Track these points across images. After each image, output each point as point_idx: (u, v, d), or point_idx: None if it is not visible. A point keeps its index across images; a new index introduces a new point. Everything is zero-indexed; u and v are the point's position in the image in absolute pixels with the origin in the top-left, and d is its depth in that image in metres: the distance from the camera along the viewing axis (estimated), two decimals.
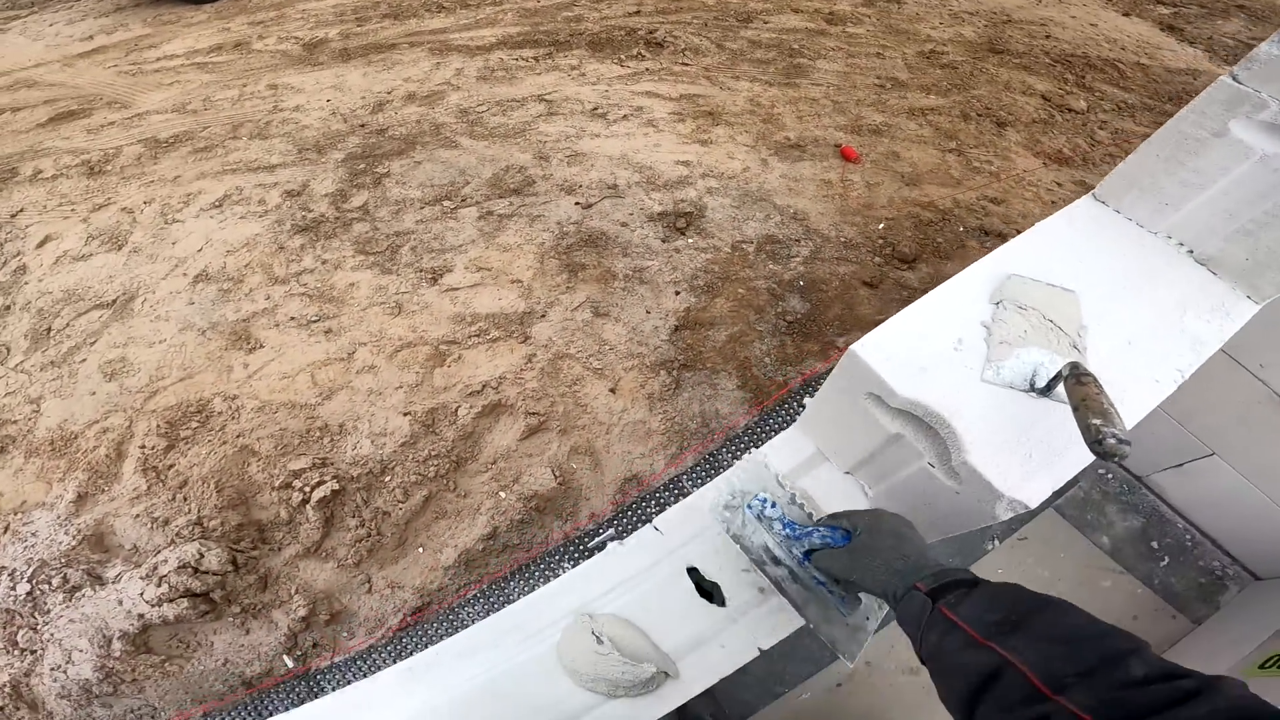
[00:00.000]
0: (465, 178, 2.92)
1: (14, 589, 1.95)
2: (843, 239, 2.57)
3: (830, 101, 3.30)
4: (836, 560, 0.89)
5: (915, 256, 2.50)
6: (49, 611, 1.89)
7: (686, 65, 3.65)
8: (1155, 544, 1.81)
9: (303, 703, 1.64)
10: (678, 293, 2.36)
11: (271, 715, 1.67)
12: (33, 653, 1.87)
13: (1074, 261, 1.00)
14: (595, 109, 3.29)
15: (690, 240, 2.56)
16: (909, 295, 2.37)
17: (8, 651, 1.93)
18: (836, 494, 1.06)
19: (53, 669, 1.80)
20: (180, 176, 3.30)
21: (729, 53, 3.75)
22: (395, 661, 1.70)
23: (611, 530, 1.81)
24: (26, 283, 2.91)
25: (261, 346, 2.42)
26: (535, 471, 1.93)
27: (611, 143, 3.07)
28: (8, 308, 2.81)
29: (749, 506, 1.00)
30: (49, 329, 2.67)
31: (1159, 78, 3.38)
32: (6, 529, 2.10)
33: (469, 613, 1.78)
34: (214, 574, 1.86)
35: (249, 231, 2.87)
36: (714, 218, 2.65)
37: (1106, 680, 0.57)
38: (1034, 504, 0.79)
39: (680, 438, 1.99)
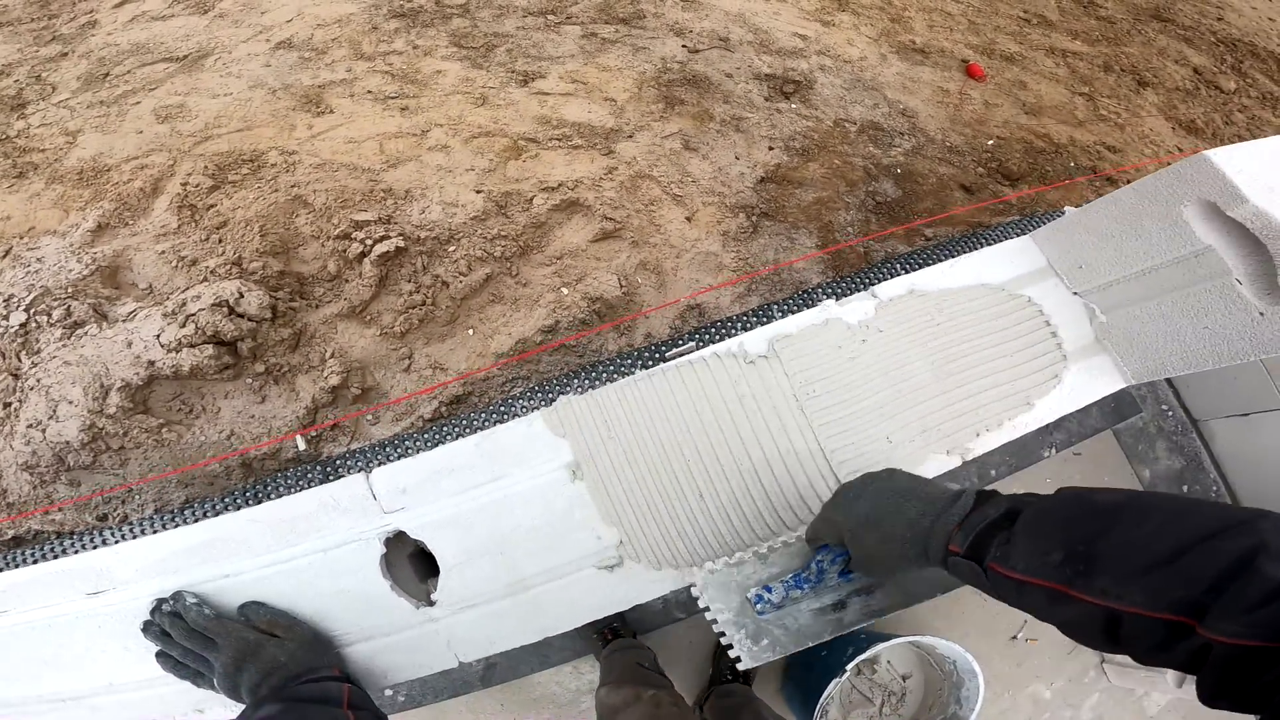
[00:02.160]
0: None
1: (6, 318, 1.75)
2: (948, 143, 2.44)
3: (967, 20, 3.09)
4: (860, 571, 0.75)
5: (1020, 176, 2.37)
6: (40, 351, 1.71)
7: None
8: (1185, 488, 1.80)
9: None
10: (771, 148, 2.26)
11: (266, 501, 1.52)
12: (6, 405, 1.68)
13: None
14: None
15: (793, 106, 2.44)
16: (1004, 208, 2.26)
17: None
18: (1058, 315, 0.99)
19: (30, 425, 1.59)
20: None
21: None
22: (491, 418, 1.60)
23: (693, 344, 1.71)
24: (93, 35, 2.81)
25: (331, 112, 2.35)
26: (601, 276, 1.87)
27: (730, 0, 2.90)
28: (65, 54, 2.72)
29: (761, 614, 0.76)
30: (107, 74, 2.58)
31: None
32: (8, 253, 1.95)
33: (517, 407, 1.63)
34: (250, 319, 1.69)
35: (344, 10, 2.76)
36: (821, 92, 2.52)
37: (1243, 598, 0.45)
38: None
39: (750, 279, 1.92)
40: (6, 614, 0.84)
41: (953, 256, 1.03)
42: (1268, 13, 3.74)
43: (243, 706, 0.72)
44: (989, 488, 0.68)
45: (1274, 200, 0.80)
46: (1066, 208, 1.04)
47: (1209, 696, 0.48)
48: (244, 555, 0.81)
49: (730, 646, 0.74)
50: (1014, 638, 1.75)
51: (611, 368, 1.72)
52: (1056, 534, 0.55)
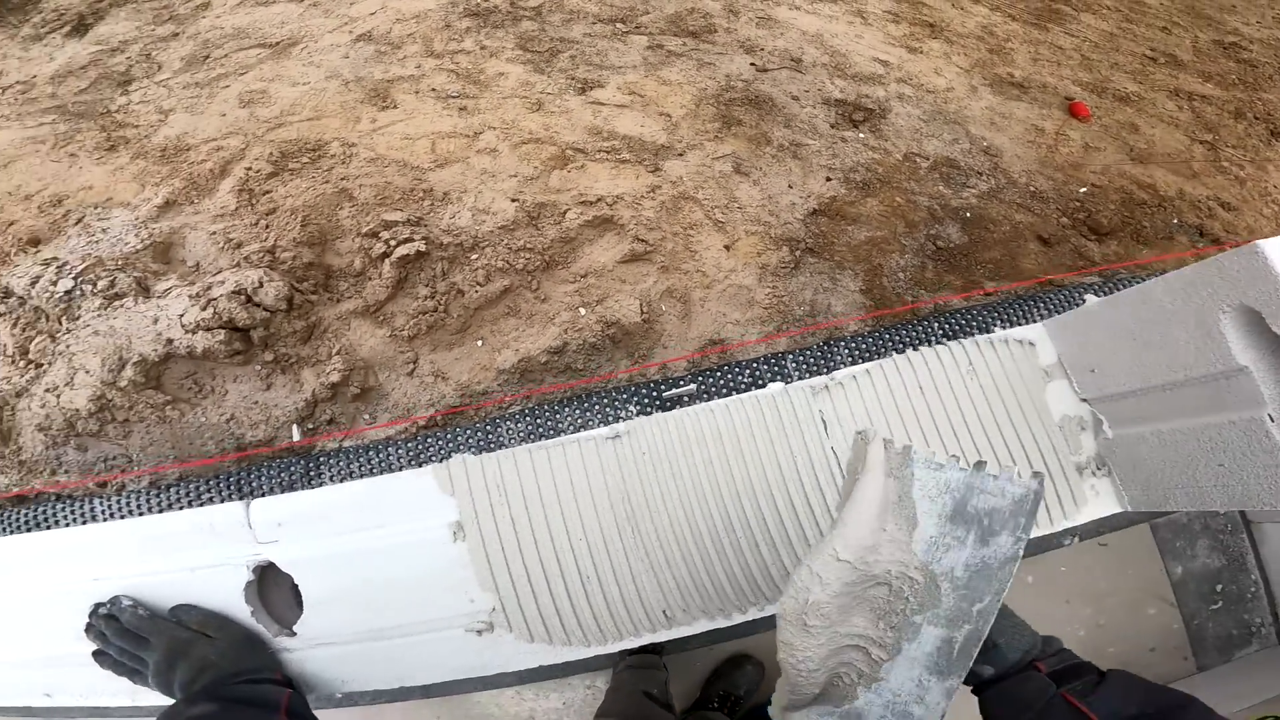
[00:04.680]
0: (647, 7, 2.72)
1: (55, 284, 1.82)
2: (1032, 188, 2.20)
3: (1080, 55, 2.81)
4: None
5: (1110, 231, 2.11)
6: (78, 318, 1.79)
7: None
8: (1220, 588, 1.61)
9: (294, 484, 1.54)
10: (829, 179, 2.11)
11: (253, 492, 1.56)
12: (38, 366, 1.76)
13: None
14: None
15: (861, 135, 2.27)
16: (1084, 267, 2.01)
17: (14, 362, 1.80)
18: (1050, 431, 0.87)
19: (48, 390, 1.67)
20: None
21: None
22: (408, 460, 1.59)
23: (693, 386, 1.64)
24: (204, 17, 2.99)
25: (395, 107, 2.39)
26: (623, 299, 1.80)
27: (809, 19, 2.76)
28: (176, 35, 2.91)
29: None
30: (207, 56, 2.73)
31: None
32: (80, 221, 2.06)
33: (506, 429, 1.58)
34: (265, 309, 1.73)
35: (423, 6, 2.82)
36: (895, 123, 2.34)
37: None
38: None
39: (781, 318, 1.80)
40: None
41: (1004, 318, 0.90)
42: None
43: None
44: None
45: None
46: (1088, 296, 0.88)
47: None
48: (115, 562, 0.84)
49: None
50: None
51: (612, 396, 1.64)
52: (1138, 697, 0.62)
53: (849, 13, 2.82)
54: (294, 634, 0.82)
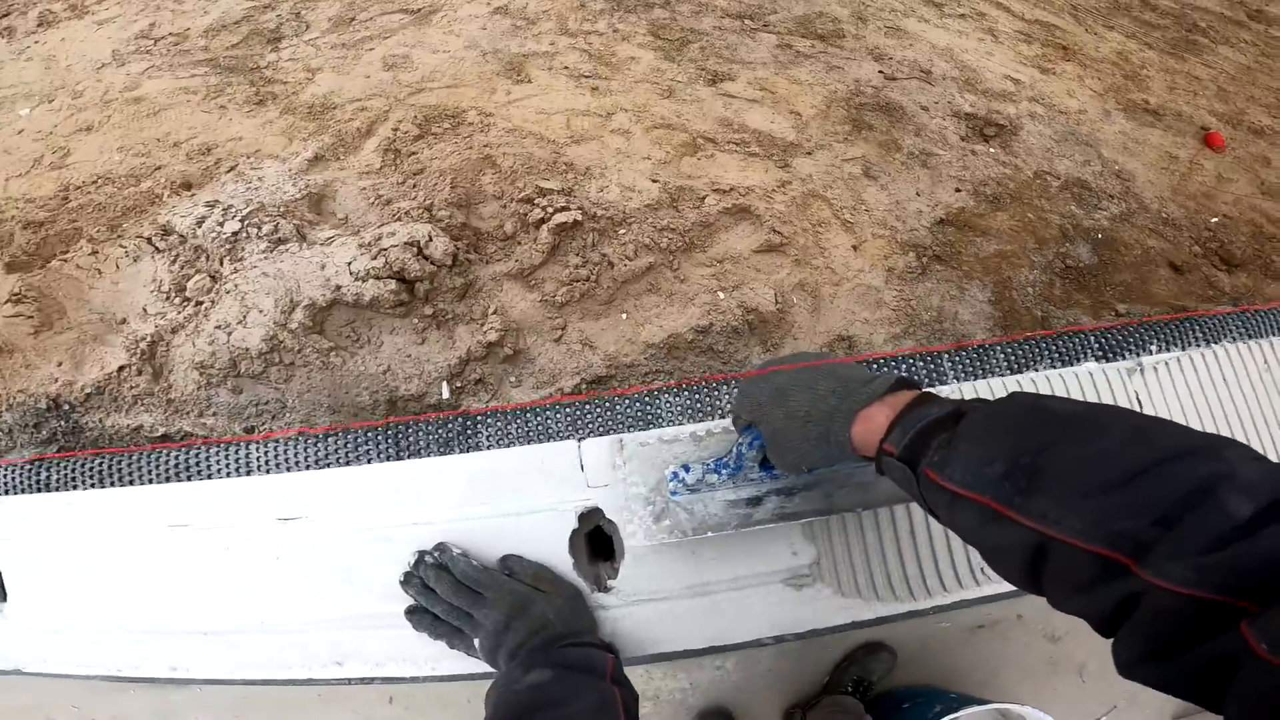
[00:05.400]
0: (775, 6, 2.76)
1: (221, 225, 1.86)
2: (1164, 214, 2.17)
3: (1216, 86, 2.74)
4: (776, 459, 0.66)
5: (1241, 262, 2.07)
6: (243, 260, 1.82)
7: None
8: None
9: (449, 443, 1.43)
10: (958, 190, 2.12)
11: (409, 448, 1.44)
12: (198, 304, 1.76)
13: None
14: None
15: (991, 150, 2.27)
16: (1215, 296, 1.98)
17: (169, 298, 1.79)
18: None
19: (218, 326, 1.68)
20: None
21: (1112, 1, 3.20)
22: (567, 426, 1.57)
23: None
24: None
25: (529, 81, 2.47)
26: (758, 288, 1.84)
27: (939, 33, 2.76)
28: None
29: (673, 494, 0.71)
30: (353, 19, 2.86)
31: None
32: (233, 169, 2.14)
33: (664, 401, 1.58)
34: (434, 262, 1.79)
35: None
36: (1026, 140, 2.33)
37: (1197, 535, 0.36)
38: None
39: (909, 320, 1.83)
40: (187, 527, 0.80)
41: (1149, 340, 0.91)
42: None
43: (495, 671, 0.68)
44: (929, 389, 0.59)
45: None
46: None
47: (1130, 660, 0.40)
48: (438, 504, 0.78)
49: (629, 522, 0.72)
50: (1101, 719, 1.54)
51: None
52: (1002, 441, 0.47)
53: (979, 30, 2.81)
54: (608, 590, 0.77)
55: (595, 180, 2.03)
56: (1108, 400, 0.83)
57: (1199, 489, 0.38)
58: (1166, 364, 0.86)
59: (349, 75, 2.58)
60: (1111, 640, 0.42)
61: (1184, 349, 0.86)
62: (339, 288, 1.73)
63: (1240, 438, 0.83)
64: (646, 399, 1.62)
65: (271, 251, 1.88)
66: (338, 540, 0.78)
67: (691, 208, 1.95)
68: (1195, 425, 0.82)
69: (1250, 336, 0.89)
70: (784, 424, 0.61)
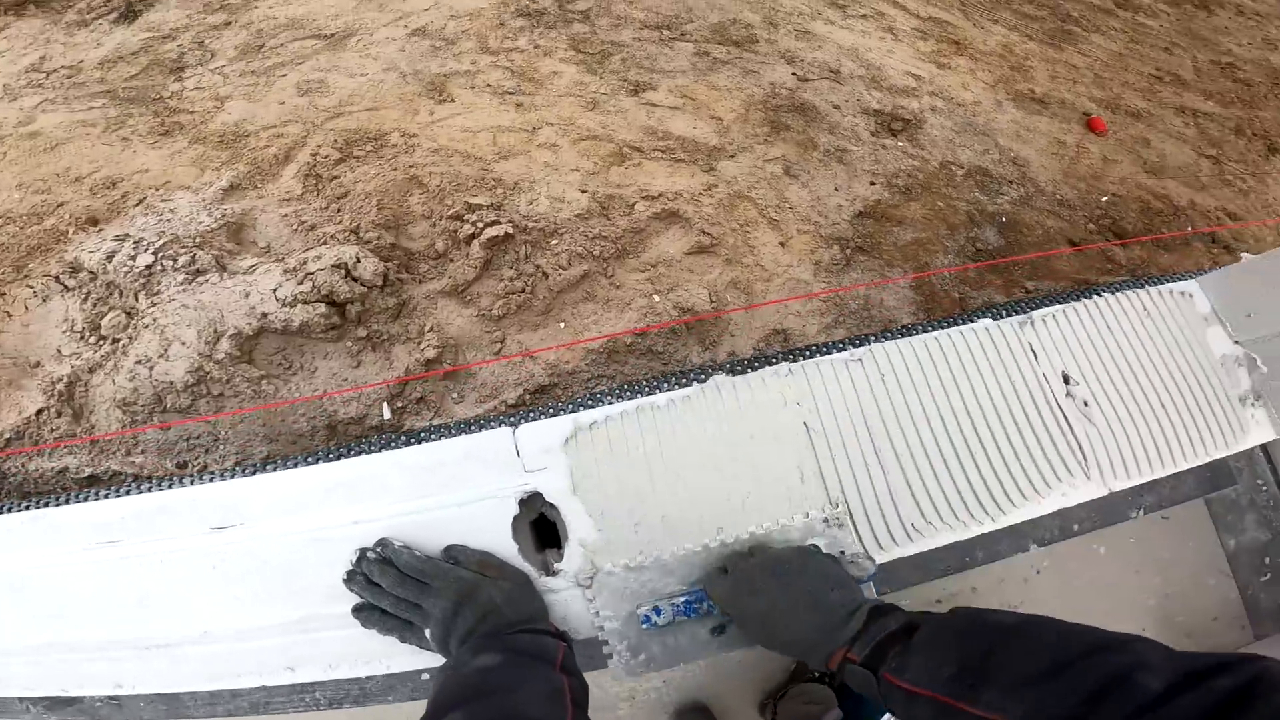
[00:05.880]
0: (691, 16, 2.84)
1: (133, 259, 1.80)
2: (1059, 196, 2.36)
3: (1093, 74, 2.99)
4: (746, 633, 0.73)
5: (1132, 236, 2.27)
6: (159, 294, 1.78)
7: None
8: (1268, 560, 1.71)
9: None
10: (873, 183, 2.24)
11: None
12: (115, 341, 1.72)
13: None
14: None
15: (900, 144, 2.41)
16: (1112, 268, 2.16)
17: (83, 337, 1.75)
18: (1212, 368, 0.97)
19: (139, 361, 1.64)
20: None
21: None
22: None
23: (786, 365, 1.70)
24: (256, 7, 3.05)
25: (453, 101, 2.47)
26: (692, 288, 1.90)
27: (844, 34, 2.90)
28: (228, 23, 2.96)
29: (645, 627, 0.76)
30: (261, 46, 2.79)
31: None
32: (141, 201, 2.07)
33: (606, 402, 1.65)
34: (363, 284, 1.77)
35: (476, 4, 2.91)
36: (930, 133, 2.48)
37: (1121, 708, 0.45)
38: None
39: (838, 310, 1.91)
40: (118, 544, 0.78)
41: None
42: None
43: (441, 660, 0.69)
44: (888, 601, 0.70)
45: None
46: (1243, 254, 1.02)
47: None
48: (376, 500, 0.78)
49: (609, 656, 0.74)
50: None
51: (693, 377, 1.73)
52: (951, 649, 0.57)
53: (880, 29, 2.97)
54: (556, 573, 0.78)
55: (525, 194, 2.05)
56: (1004, 351, 0.92)
57: (1118, 674, 0.47)
58: (1054, 315, 0.95)
59: (261, 102, 2.50)
60: None
61: (1054, 313, 0.95)
62: (265, 315, 1.69)
63: (1115, 377, 0.93)
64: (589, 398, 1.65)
65: (190, 283, 1.81)
66: (275, 545, 0.78)
67: (622, 215, 1.99)
68: (1078, 370, 0.92)
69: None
70: (768, 642, 0.69)
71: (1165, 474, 0.88)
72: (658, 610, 0.75)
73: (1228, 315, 1.00)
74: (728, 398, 0.85)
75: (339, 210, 2.11)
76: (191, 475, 1.68)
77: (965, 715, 0.52)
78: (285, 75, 2.61)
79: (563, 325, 1.84)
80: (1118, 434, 0.90)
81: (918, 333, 0.91)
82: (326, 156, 2.26)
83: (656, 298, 1.85)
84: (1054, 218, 2.26)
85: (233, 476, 1.57)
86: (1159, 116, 2.80)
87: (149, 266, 1.83)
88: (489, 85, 2.51)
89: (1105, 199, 2.38)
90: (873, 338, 1.59)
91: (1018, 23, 3.29)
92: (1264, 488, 1.77)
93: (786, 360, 0.90)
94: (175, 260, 1.84)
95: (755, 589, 0.70)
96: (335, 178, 2.20)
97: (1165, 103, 2.89)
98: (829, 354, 0.88)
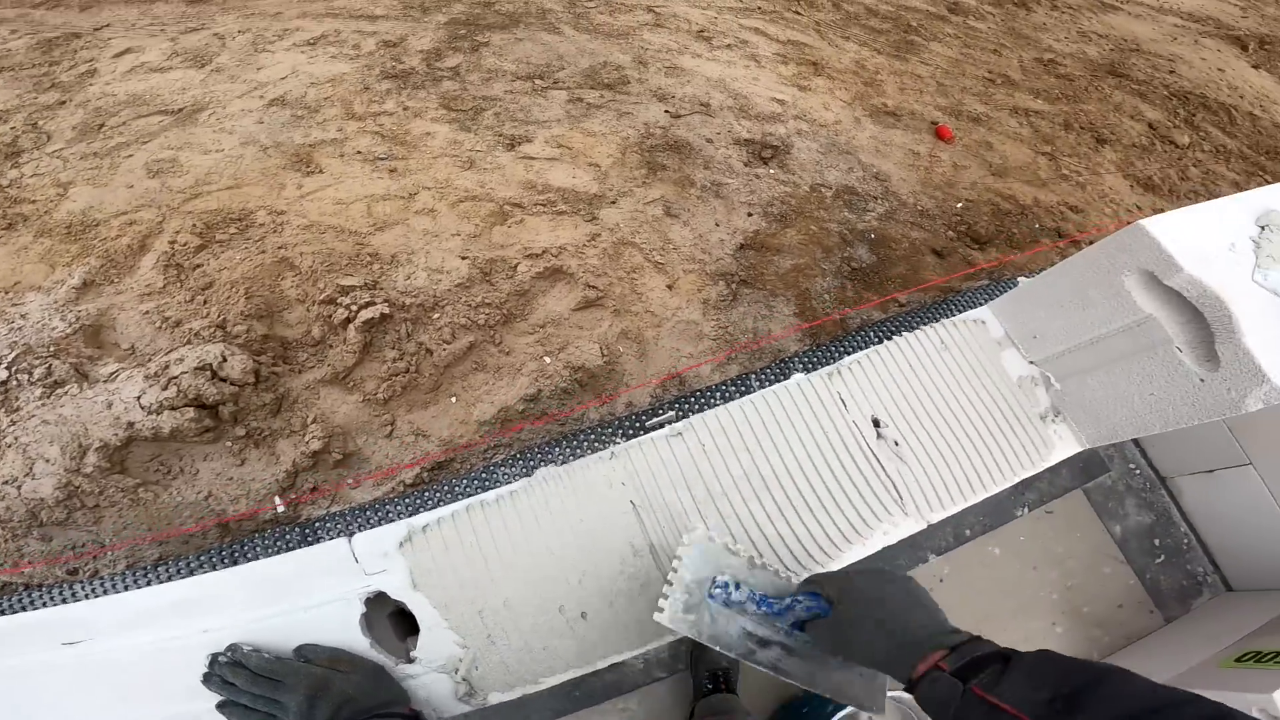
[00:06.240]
0: (562, 63, 2.88)
1: None
2: (920, 207, 2.54)
3: (936, 82, 3.24)
4: (824, 635, 0.77)
5: (988, 239, 2.47)
6: (19, 409, 1.71)
7: (799, 15, 3.57)
8: (1157, 542, 1.87)
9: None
10: (750, 214, 2.34)
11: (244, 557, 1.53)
12: None
13: None
14: (701, 31, 3.23)
15: (771, 171, 2.53)
16: (975, 273, 2.35)
17: None
18: (1011, 390, 1.06)
19: (5, 482, 1.60)
20: (282, 14, 3.26)
21: (844, 13, 3.67)
22: (409, 514, 1.61)
23: (672, 413, 1.76)
24: (91, 85, 2.85)
25: (321, 172, 2.40)
26: (584, 345, 1.92)
27: (711, 66, 3.02)
28: (62, 103, 2.75)
29: (711, 596, 0.82)
30: (102, 125, 2.61)
31: (1265, 130, 3.31)
32: None
33: (502, 474, 1.64)
34: (233, 383, 1.72)
35: (337, 70, 2.84)
36: (799, 157, 2.62)
37: None
38: None
39: (730, 347, 1.98)
40: None
41: (924, 322, 1.10)
42: (1215, 63, 3.93)
43: None
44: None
45: (1208, 268, 0.87)
46: (1020, 278, 1.13)
47: None
48: (224, 611, 0.84)
49: (665, 597, 0.80)
50: None
51: (592, 436, 1.75)
52: (1050, 678, 0.62)
53: (744, 57, 3.11)
54: (411, 660, 0.85)
55: (403, 267, 2.01)
56: (817, 405, 1.02)
57: (1215, 714, 0.52)
58: (860, 361, 1.03)
59: (108, 187, 2.34)
60: None
61: (866, 349, 1.05)
62: (132, 424, 1.61)
63: (922, 413, 1.03)
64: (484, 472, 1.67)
65: (49, 397, 1.71)
66: (131, 654, 0.83)
67: (505, 278, 1.99)
68: (885, 413, 1.00)
69: (925, 323, 1.11)
70: (869, 626, 0.72)
71: (980, 499, 0.97)
72: (737, 586, 0.82)
73: (1019, 338, 1.10)
74: (555, 487, 0.90)
75: (205, 302, 2.00)
76: (82, 581, 1.61)
77: None
78: (131, 155, 2.45)
79: (454, 400, 1.82)
80: (928, 468, 0.99)
81: (736, 396, 0.97)
82: (186, 244, 2.14)
83: (548, 359, 1.86)
84: (917, 229, 2.43)
85: (125, 581, 1.53)
86: (996, 119, 3.07)
87: (3, 383, 1.72)
88: (358, 152, 2.45)
89: (960, 205, 2.58)
90: (693, 410, 1.67)
91: (867, 38, 3.52)
92: (1136, 471, 1.94)
93: (618, 435, 0.95)
94: (31, 373, 1.73)
95: (886, 580, 0.76)
96: (198, 266, 2.09)
97: (1000, 104, 3.17)
98: (653, 430, 0.94)
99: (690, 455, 0.92)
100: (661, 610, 0.79)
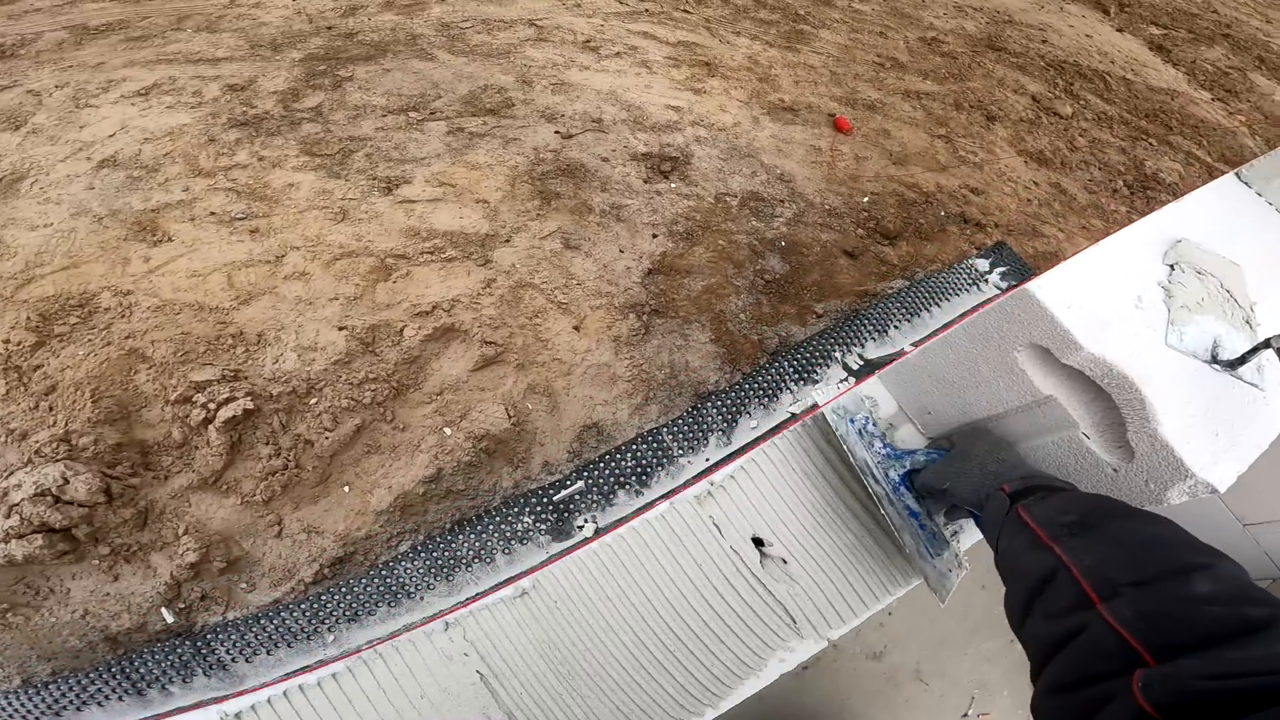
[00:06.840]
0: (438, 91, 2.66)
1: None
2: (827, 206, 2.48)
3: (829, 72, 3.20)
4: (934, 470, 0.89)
5: (897, 234, 2.43)
6: None
7: (688, 13, 3.47)
8: None
9: (188, 664, 1.39)
10: (655, 236, 2.21)
11: (144, 679, 1.40)
12: None
13: (1228, 236, 0.91)
14: (588, 41, 3.07)
15: (673, 185, 2.41)
16: (888, 270, 2.31)
17: None
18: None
19: None
20: (105, 64, 2.88)
21: (733, 7, 3.60)
22: (308, 620, 1.46)
23: (581, 484, 1.61)
24: None
25: (170, 240, 2.11)
26: (487, 408, 1.74)
27: (601, 77, 2.87)
28: None
29: (851, 420, 0.99)
30: None
31: (1140, 94, 3.45)
32: None
33: (404, 569, 1.50)
34: (80, 505, 1.53)
35: (175, 121, 2.52)
36: (700, 166, 2.51)
37: (1160, 593, 0.50)
38: (1223, 487, 0.69)
39: (647, 387, 1.85)
40: None
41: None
42: (1083, 30, 4.09)
43: None
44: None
45: (1112, 339, 0.76)
46: (905, 346, 1.05)
47: (1040, 691, 0.53)
48: None
49: (827, 381, 1.04)
50: (964, 715, 1.73)
51: (504, 511, 1.59)
52: (1081, 507, 0.65)
53: (635, 64, 2.97)
54: None
55: (270, 348, 1.77)
56: (687, 534, 0.99)
57: (1180, 569, 0.51)
58: (731, 477, 0.93)
59: None
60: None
61: (731, 474, 0.95)
62: None
63: (808, 522, 1.00)
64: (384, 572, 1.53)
65: None
66: None
67: (390, 346, 1.78)
68: (768, 529, 0.92)
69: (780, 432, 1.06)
70: (972, 459, 0.84)
71: (879, 609, 0.87)
72: (874, 425, 0.99)
73: (913, 413, 1.02)
74: (387, 665, 0.75)
75: (51, 409, 1.73)
76: None
77: (1048, 552, 0.60)
78: None
79: (347, 489, 1.61)
80: (822, 583, 0.89)
81: (589, 540, 0.84)
82: (20, 342, 1.83)
83: (448, 430, 1.67)
84: (827, 230, 2.36)
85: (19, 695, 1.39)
86: (890, 104, 3.06)
87: None
88: (211, 213, 2.17)
89: (866, 199, 2.53)
90: (665, 429, 1.54)
91: (757, 30, 3.45)
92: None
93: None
94: None
95: (978, 434, 0.90)
96: (38, 367, 1.80)
97: (892, 89, 3.17)
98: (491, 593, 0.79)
99: (543, 612, 0.78)
100: (825, 387, 0.95)
